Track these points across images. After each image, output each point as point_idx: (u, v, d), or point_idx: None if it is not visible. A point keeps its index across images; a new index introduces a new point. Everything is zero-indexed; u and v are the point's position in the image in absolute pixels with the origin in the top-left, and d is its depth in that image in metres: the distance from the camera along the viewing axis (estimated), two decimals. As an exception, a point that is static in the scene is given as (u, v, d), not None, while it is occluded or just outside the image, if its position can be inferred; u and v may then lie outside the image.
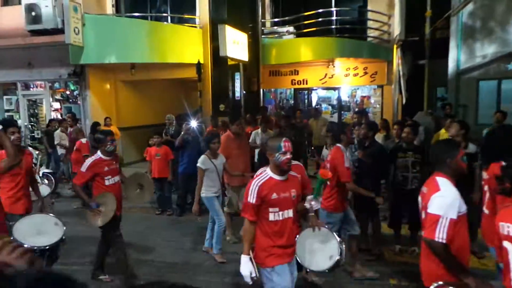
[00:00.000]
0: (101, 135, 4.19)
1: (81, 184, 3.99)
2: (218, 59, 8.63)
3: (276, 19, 10.34)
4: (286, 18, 10.04)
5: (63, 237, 3.36)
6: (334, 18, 9.97)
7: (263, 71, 10.12)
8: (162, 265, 4.71)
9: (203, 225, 5.33)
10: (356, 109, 10.41)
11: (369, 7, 10.06)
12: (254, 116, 8.50)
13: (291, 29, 9.93)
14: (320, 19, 9.67)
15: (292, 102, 11.42)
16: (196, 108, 9.25)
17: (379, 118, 10.05)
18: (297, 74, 10.67)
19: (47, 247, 3.21)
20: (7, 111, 10.84)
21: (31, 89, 10.72)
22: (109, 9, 9.85)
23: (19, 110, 10.66)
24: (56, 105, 10.72)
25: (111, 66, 9.72)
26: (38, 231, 3.36)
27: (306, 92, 11.42)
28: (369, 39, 10.15)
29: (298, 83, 10.77)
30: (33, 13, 8.37)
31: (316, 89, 11.26)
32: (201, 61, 9.03)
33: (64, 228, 3.42)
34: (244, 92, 9.45)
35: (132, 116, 10.55)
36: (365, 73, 10.24)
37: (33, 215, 3.70)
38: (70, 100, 10.62)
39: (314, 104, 11.44)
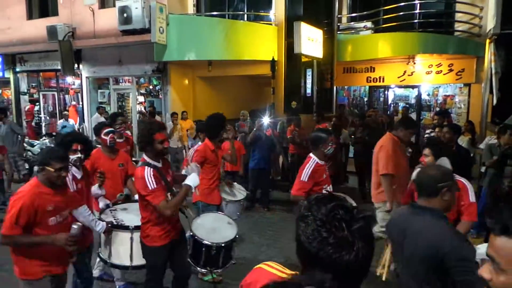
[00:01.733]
0: (322, 133, 3.51)
1: (304, 194, 3.38)
2: (292, 56, 8.64)
3: (353, 14, 10.01)
4: (364, 13, 9.66)
5: (237, 236, 3.34)
6: (417, 11, 9.34)
7: (337, 68, 9.89)
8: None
9: (272, 220, 5.42)
10: (437, 109, 9.69)
11: (458, -1, 9.24)
12: (322, 114, 8.41)
13: (368, 24, 9.54)
14: (401, 13, 9.14)
15: (366, 100, 11.00)
16: (269, 105, 9.39)
17: (463, 119, 9.25)
18: (373, 71, 10.24)
19: (223, 245, 3.16)
20: (101, 103, 12.07)
21: (120, 83, 11.81)
22: (191, 8, 10.40)
23: (110, 102, 11.81)
24: (141, 98, 11.67)
25: (190, 63, 10.27)
26: (213, 228, 3.37)
27: (381, 90, 10.91)
28: (456, 33, 9.33)
29: (374, 81, 10.32)
30: (125, 15, 9.18)
31: (392, 87, 10.70)
32: (275, 58, 9.13)
33: (237, 227, 3.42)
34: (316, 88, 9.34)
35: (208, 110, 10.94)
36: (450, 70, 9.45)
37: (207, 213, 3.76)
38: (152, 94, 11.48)
39: (390, 102, 10.90)
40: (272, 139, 7.22)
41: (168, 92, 10.42)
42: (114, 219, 3.42)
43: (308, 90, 9.18)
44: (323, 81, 9.69)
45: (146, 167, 2.87)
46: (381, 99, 10.96)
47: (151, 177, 2.83)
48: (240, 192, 4.74)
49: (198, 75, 11.10)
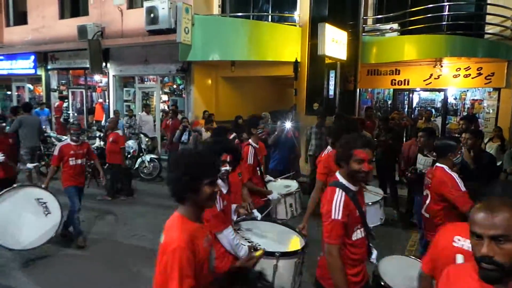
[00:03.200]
0: (451, 141, 3.27)
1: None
2: (316, 58, 8.59)
3: (379, 16, 9.87)
4: (390, 14, 9.51)
5: None
6: (445, 13, 9.11)
7: (361, 70, 9.77)
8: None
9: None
10: (464, 114, 9.43)
11: (489, 1, 8.95)
12: (341, 116, 8.31)
13: (395, 26, 9.38)
14: (429, 15, 8.93)
15: (390, 103, 10.83)
16: (291, 106, 9.39)
17: (492, 124, 8.97)
18: (398, 74, 10.05)
19: None
20: (126, 101, 12.39)
21: (145, 82, 12.07)
22: (216, 9, 10.53)
23: (135, 100, 12.09)
24: (164, 97, 11.89)
25: (213, 63, 10.40)
26: (410, 278, 2.39)
27: (406, 93, 10.70)
28: (486, 36, 9.05)
29: (398, 84, 10.14)
30: (152, 15, 9.39)
31: (418, 91, 10.48)
32: (299, 59, 9.11)
33: None
34: (339, 90, 9.27)
35: (230, 110, 11.13)
36: (479, 74, 9.17)
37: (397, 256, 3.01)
38: (176, 93, 11.67)
39: (414, 106, 10.68)
40: (292, 141, 7.22)
41: (191, 92, 10.58)
42: (248, 241, 2.91)
43: (331, 92, 9.12)
44: (346, 83, 9.60)
45: (338, 189, 2.30)
46: (406, 102, 10.75)
47: (339, 205, 2.22)
48: (376, 194, 4.26)
49: (221, 75, 11.22)
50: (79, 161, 5.24)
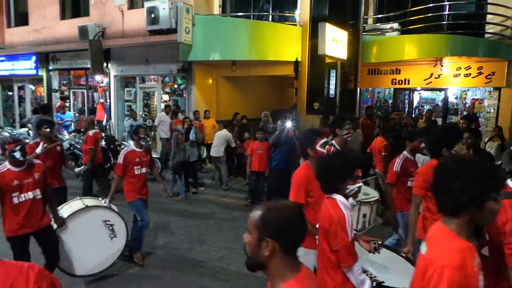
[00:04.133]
0: None
1: None
2: (316, 57, 8.61)
3: (379, 16, 9.88)
4: (391, 14, 9.52)
5: None
6: (446, 13, 9.12)
7: (361, 69, 9.78)
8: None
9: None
10: (465, 113, 9.44)
11: (490, 0, 8.96)
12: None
13: (395, 25, 9.39)
14: (429, 15, 8.95)
15: (391, 102, 10.83)
16: (291, 105, 9.40)
17: (492, 124, 8.99)
18: (399, 73, 10.07)
19: None
20: (127, 101, 12.42)
21: (146, 82, 12.10)
22: (216, 9, 10.55)
23: (136, 100, 12.12)
24: (165, 97, 11.91)
25: (214, 63, 10.42)
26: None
27: (407, 92, 10.71)
28: (487, 35, 9.06)
29: (399, 83, 10.15)
30: (153, 15, 9.41)
31: (418, 90, 10.49)
32: (299, 59, 9.13)
33: None
34: (339, 90, 9.28)
35: (231, 110, 11.16)
36: (479, 73, 9.18)
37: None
38: (176, 93, 11.69)
39: (415, 105, 10.69)
40: (293, 140, 7.24)
41: (192, 91, 10.61)
42: (369, 276, 2.57)
43: (332, 91, 9.12)
44: (346, 82, 9.61)
45: None
46: (406, 101, 10.77)
47: None
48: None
49: (222, 75, 11.24)
50: (143, 170, 4.65)
